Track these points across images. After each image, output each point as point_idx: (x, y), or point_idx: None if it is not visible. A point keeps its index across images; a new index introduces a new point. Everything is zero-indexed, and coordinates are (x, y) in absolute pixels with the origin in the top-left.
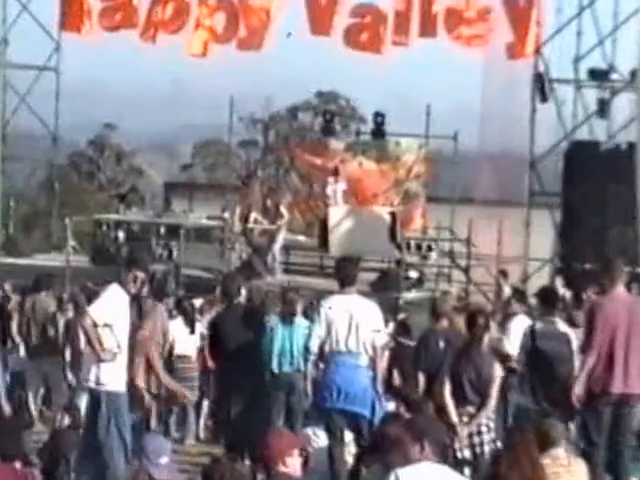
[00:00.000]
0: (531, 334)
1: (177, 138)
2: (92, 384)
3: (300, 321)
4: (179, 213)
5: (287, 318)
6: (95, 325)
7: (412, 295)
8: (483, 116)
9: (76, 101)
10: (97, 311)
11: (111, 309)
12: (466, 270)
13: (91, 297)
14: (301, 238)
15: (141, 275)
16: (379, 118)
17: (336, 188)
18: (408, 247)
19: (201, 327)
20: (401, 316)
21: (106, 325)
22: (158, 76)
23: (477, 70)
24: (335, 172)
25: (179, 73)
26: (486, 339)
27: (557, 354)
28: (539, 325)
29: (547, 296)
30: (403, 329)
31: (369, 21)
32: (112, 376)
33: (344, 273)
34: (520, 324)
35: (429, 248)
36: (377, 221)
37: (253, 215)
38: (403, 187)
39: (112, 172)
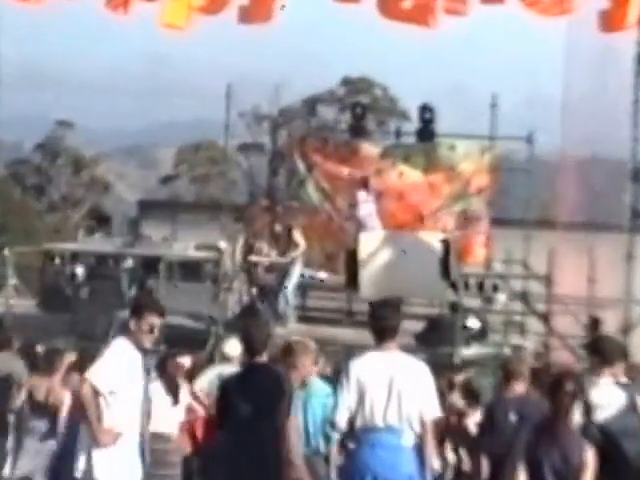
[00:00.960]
0: (584, 405)
1: (155, 140)
2: (79, 474)
3: (318, 386)
4: (158, 241)
5: (300, 382)
6: (97, 394)
7: (472, 351)
8: (567, 110)
9: (19, 90)
10: (100, 375)
11: (119, 372)
12: (546, 317)
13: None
14: (322, 274)
15: (158, 322)
16: (427, 113)
17: (370, 207)
18: (467, 286)
19: (187, 396)
20: (460, 377)
21: (112, 393)
22: (130, 58)
23: (559, 48)
24: (364, 183)
25: (159, 54)
26: (576, 412)
27: (621, 428)
28: (594, 392)
29: (600, 348)
30: (468, 395)
31: None
32: (110, 468)
33: (381, 322)
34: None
35: (495, 288)
36: (425, 251)
37: (258, 244)
38: (460, 205)
39: (68, 186)
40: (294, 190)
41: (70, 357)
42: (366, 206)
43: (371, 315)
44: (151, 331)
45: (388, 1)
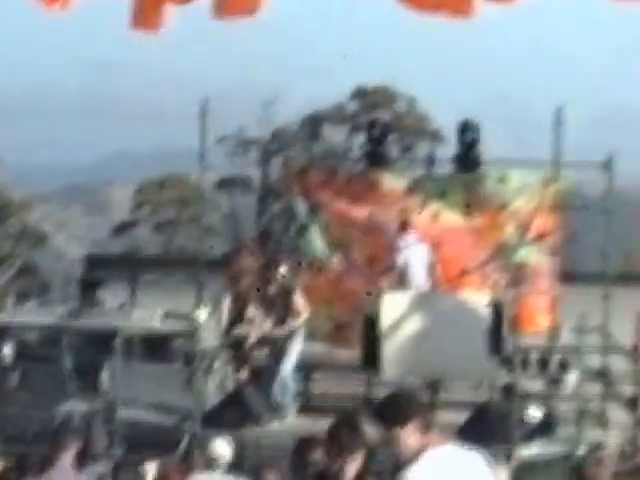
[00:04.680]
0: None
1: (106, 177)
2: None
3: None
4: (113, 310)
5: None
6: None
7: (534, 450)
8: None
9: None
10: None
11: None
12: (633, 403)
13: None
14: (331, 350)
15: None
16: (469, 133)
17: (418, 258)
18: (525, 364)
19: None
20: None
21: None
22: (67, 68)
23: None
24: (403, 226)
25: (106, 62)
26: None
27: None
28: None
29: None
30: None
31: None
32: None
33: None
34: None
35: (563, 365)
36: (468, 318)
37: (249, 311)
38: (514, 256)
39: None
40: (293, 238)
41: None
42: (411, 256)
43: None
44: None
45: None
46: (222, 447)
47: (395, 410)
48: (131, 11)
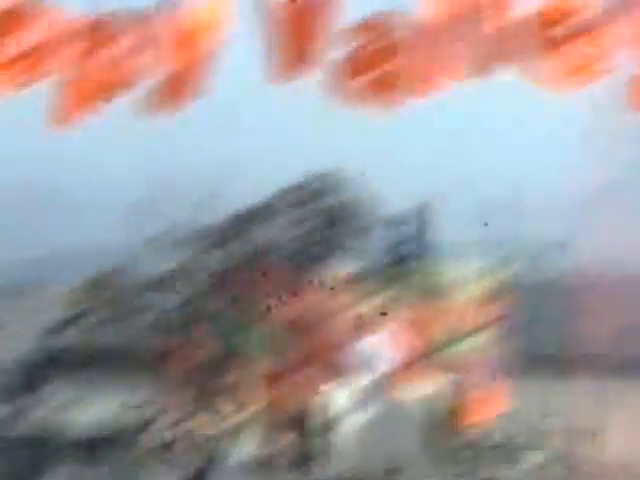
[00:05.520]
0: None
1: (39, 273)
2: None
3: None
4: (52, 409)
5: None
6: None
7: None
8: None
9: None
10: None
11: None
12: None
13: None
14: (282, 440)
15: None
16: (418, 219)
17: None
18: (478, 453)
19: None
20: None
21: None
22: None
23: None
24: (357, 321)
25: (40, 153)
26: None
27: None
28: None
29: None
30: None
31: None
32: None
33: None
34: None
35: (512, 454)
36: (411, 410)
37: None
38: (461, 346)
39: None
40: (229, 337)
41: None
42: (366, 349)
43: None
44: None
45: (339, 77)
46: None
47: None
48: (49, 106)
